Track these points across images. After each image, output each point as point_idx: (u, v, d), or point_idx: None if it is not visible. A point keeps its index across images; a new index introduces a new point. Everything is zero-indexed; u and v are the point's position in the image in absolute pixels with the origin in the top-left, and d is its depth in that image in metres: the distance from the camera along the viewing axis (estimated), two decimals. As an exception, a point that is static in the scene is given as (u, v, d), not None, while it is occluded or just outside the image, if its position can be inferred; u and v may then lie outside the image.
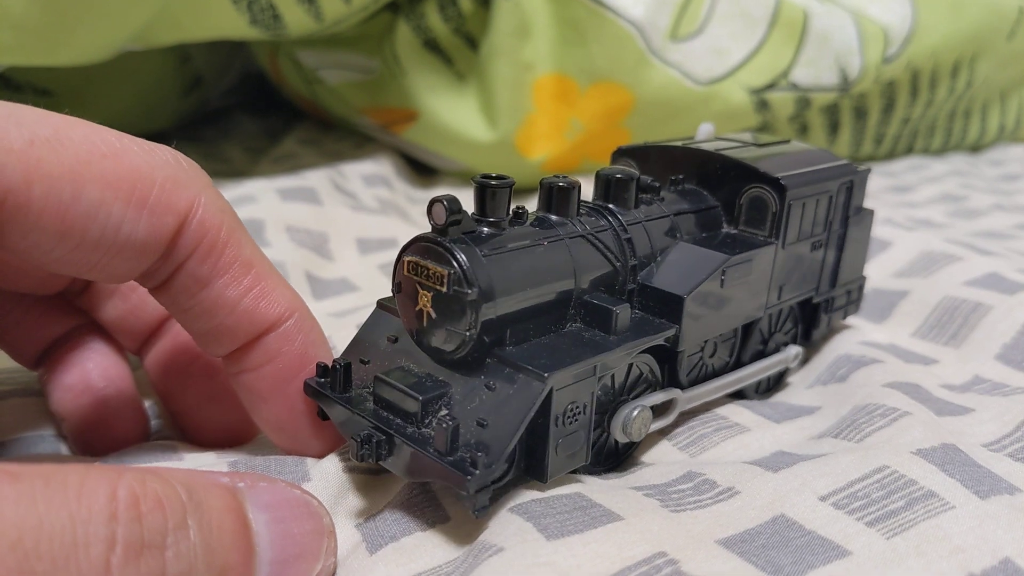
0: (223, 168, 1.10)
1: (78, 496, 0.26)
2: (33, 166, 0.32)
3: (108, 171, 0.34)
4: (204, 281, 0.38)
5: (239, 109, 1.49)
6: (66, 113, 0.36)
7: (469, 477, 0.34)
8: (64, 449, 0.48)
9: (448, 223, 0.38)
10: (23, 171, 0.32)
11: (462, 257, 0.38)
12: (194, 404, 0.48)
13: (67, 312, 0.49)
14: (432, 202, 0.38)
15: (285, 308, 0.41)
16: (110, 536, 0.26)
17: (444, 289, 0.38)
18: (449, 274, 0.38)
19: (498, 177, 0.40)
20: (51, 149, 0.33)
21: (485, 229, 0.40)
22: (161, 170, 0.36)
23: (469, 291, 0.37)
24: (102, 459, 0.44)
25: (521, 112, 1.01)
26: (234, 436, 0.48)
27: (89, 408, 0.47)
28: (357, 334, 0.45)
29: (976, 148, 1.43)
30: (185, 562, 0.28)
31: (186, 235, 0.37)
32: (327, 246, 0.78)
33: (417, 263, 0.39)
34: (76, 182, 0.33)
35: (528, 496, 0.39)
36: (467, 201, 0.39)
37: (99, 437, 0.47)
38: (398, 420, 0.38)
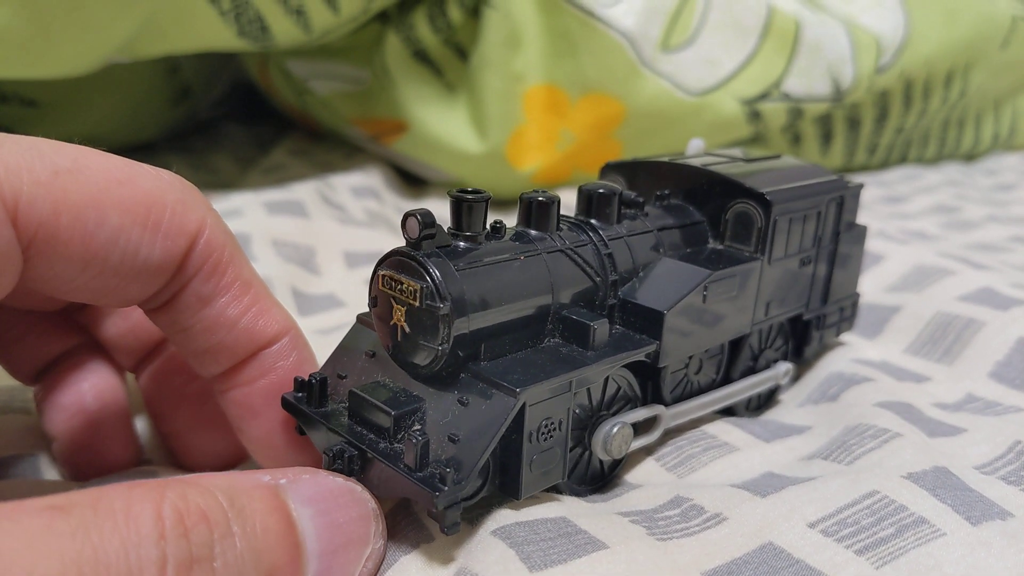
0: (212, 179, 1.09)
1: (126, 520, 0.26)
2: (60, 197, 0.33)
3: (126, 197, 0.35)
4: (207, 300, 0.39)
5: (229, 119, 1.48)
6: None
7: (437, 494, 0.34)
8: (51, 470, 0.48)
9: (421, 237, 0.38)
10: (52, 202, 0.33)
11: (435, 271, 0.37)
12: (184, 427, 0.48)
13: (68, 330, 0.49)
14: (406, 216, 0.38)
15: (282, 326, 0.41)
16: (160, 557, 0.26)
17: (417, 303, 0.38)
18: (422, 288, 0.37)
19: (474, 191, 0.40)
20: (73, 179, 0.34)
21: (461, 243, 0.40)
22: (170, 193, 0.37)
23: (441, 305, 0.37)
24: (80, 487, 0.44)
25: (511, 123, 1.00)
26: (222, 462, 0.48)
27: (80, 430, 0.46)
28: (336, 348, 0.45)
29: (970, 157, 1.42)
30: (234, 569, 0.28)
31: (194, 255, 0.38)
32: (314, 260, 0.77)
33: (391, 277, 0.39)
34: (99, 210, 0.34)
35: (512, 518, 0.38)
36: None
37: (87, 461, 0.46)
38: (371, 435, 0.38)
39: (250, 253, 0.73)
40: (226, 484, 0.30)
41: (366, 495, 0.36)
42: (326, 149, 1.21)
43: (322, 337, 0.63)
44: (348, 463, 0.37)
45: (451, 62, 1.03)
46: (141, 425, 0.52)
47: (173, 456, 0.49)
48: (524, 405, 0.37)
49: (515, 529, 0.37)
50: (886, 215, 1.02)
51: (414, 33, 1.00)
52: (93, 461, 0.46)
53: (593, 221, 0.46)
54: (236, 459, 0.48)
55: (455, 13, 0.98)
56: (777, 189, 0.50)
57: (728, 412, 0.53)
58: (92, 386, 0.47)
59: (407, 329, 0.39)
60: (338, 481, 0.35)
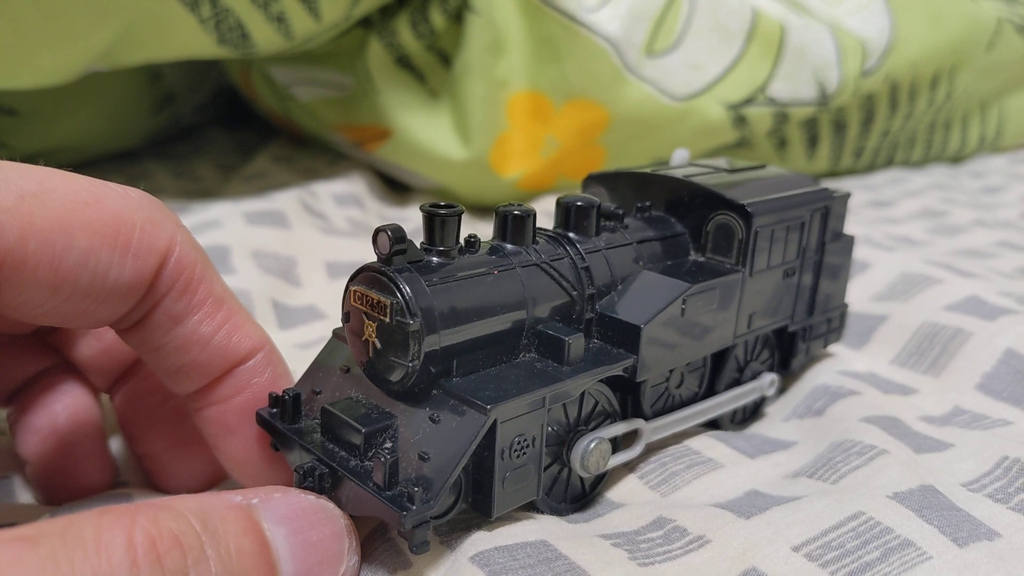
0: (193, 187, 1.08)
1: (96, 549, 0.25)
2: (26, 222, 0.32)
3: (93, 219, 0.35)
4: (179, 318, 0.39)
5: (212, 125, 1.47)
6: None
7: (405, 513, 0.33)
8: (25, 493, 0.47)
9: (392, 252, 0.37)
10: (18, 228, 0.32)
11: (405, 287, 0.37)
12: (160, 448, 0.47)
13: (41, 351, 0.48)
14: (377, 231, 0.38)
15: (256, 342, 0.41)
16: None
17: (387, 319, 0.37)
18: (392, 304, 0.37)
19: (447, 205, 0.39)
20: (39, 203, 0.33)
21: (434, 258, 0.39)
22: (139, 212, 0.37)
23: (411, 321, 0.36)
24: (51, 511, 0.43)
25: (495, 130, 0.99)
26: (198, 483, 0.47)
27: (54, 453, 0.45)
28: (312, 363, 0.44)
29: (957, 159, 1.42)
30: None
31: (165, 274, 0.37)
32: (295, 271, 0.76)
33: (363, 293, 0.38)
34: (66, 233, 0.34)
35: (490, 542, 0.38)
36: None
37: (61, 484, 0.46)
38: (343, 452, 0.38)
39: (230, 265, 0.72)
40: (198, 506, 0.30)
41: (338, 511, 0.36)
42: (310, 155, 1.21)
43: (302, 351, 0.63)
44: (319, 481, 0.37)
45: (434, 68, 1.02)
46: (116, 446, 0.51)
47: (149, 478, 0.48)
48: (495, 422, 0.37)
49: (494, 555, 0.36)
50: (872, 220, 1.01)
51: (397, 39, 0.99)
52: (67, 484, 0.46)
53: (571, 234, 0.46)
54: (213, 480, 0.47)
55: (438, 19, 0.97)
56: (758, 200, 0.49)
57: (714, 425, 0.53)
58: (65, 407, 0.46)
59: (378, 345, 0.38)
60: (310, 499, 0.35)
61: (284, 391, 0.40)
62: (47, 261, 0.33)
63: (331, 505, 0.35)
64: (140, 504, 0.28)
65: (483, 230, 0.95)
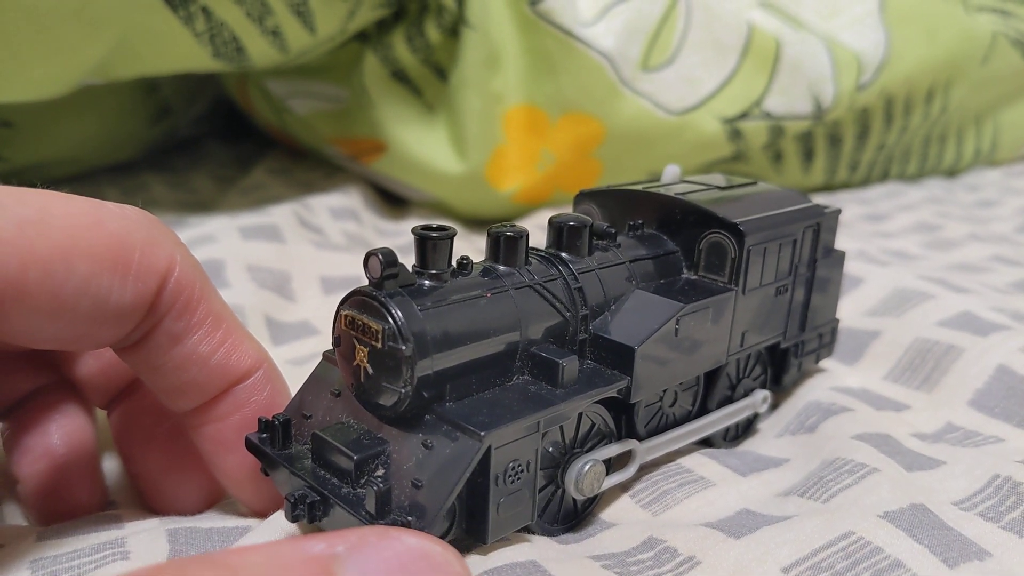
0: (190, 199, 1.08)
1: None
2: (27, 250, 0.32)
3: (94, 243, 0.34)
4: (178, 337, 0.38)
5: (210, 137, 1.47)
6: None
7: None
8: (16, 511, 0.47)
9: (384, 276, 0.37)
10: (19, 259, 0.32)
11: (397, 312, 0.36)
12: (154, 469, 0.47)
13: (38, 368, 0.47)
14: (368, 255, 0.37)
15: (254, 360, 0.41)
16: None
17: (379, 345, 0.37)
18: (383, 329, 0.36)
19: (439, 228, 0.39)
20: (39, 231, 0.33)
21: (426, 282, 0.39)
22: (138, 233, 0.36)
23: (403, 347, 0.36)
24: (40, 532, 0.43)
25: (491, 143, 0.99)
26: (191, 505, 0.47)
27: (46, 474, 0.45)
28: (302, 387, 0.44)
29: (952, 173, 1.42)
30: None
31: (165, 294, 0.37)
32: (289, 286, 0.76)
33: (353, 318, 0.38)
34: (67, 260, 0.33)
35: (479, 565, 0.37)
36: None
37: (52, 506, 0.45)
38: (334, 479, 0.37)
39: (224, 279, 0.72)
40: (263, 560, 0.25)
41: (448, 556, 0.28)
42: (307, 168, 1.21)
43: (295, 367, 0.62)
44: (310, 508, 0.36)
45: (430, 82, 1.02)
46: (110, 464, 0.51)
47: (142, 498, 0.48)
48: (490, 448, 0.36)
49: (483, 578, 0.36)
50: (867, 234, 1.01)
51: (392, 53, 0.99)
52: (57, 506, 0.45)
53: (563, 254, 0.45)
54: (205, 502, 0.47)
55: (433, 33, 0.97)
56: (750, 219, 0.49)
57: (706, 443, 0.52)
58: (59, 427, 0.46)
59: (370, 370, 0.38)
60: (410, 543, 0.28)
61: (274, 416, 0.40)
62: (48, 289, 0.33)
63: (439, 549, 0.28)
64: (190, 561, 0.24)
65: (479, 244, 0.95)
